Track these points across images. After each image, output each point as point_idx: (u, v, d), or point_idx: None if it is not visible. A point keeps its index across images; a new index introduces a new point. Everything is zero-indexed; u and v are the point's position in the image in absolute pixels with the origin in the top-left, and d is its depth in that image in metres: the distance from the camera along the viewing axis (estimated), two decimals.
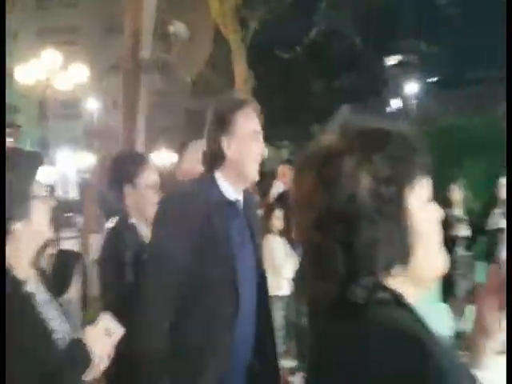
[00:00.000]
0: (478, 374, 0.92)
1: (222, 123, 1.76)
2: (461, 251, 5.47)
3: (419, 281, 0.87)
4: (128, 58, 6.94)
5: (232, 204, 1.77)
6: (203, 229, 1.66)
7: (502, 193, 5.32)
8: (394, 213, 0.83)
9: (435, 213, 0.88)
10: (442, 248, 0.88)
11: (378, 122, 0.89)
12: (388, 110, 24.37)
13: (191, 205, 1.70)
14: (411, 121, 19.38)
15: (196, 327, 1.67)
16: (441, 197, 6.44)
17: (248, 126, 1.77)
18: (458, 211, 6.04)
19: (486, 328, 0.96)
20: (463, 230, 5.61)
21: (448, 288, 4.57)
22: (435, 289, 5.87)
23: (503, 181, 5.27)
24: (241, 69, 14.97)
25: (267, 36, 17.89)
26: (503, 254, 0.92)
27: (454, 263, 5.49)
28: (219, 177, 1.76)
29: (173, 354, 1.63)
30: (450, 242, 5.93)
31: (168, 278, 1.66)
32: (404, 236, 0.83)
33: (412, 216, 0.83)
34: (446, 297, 4.06)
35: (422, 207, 0.85)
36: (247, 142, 1.76)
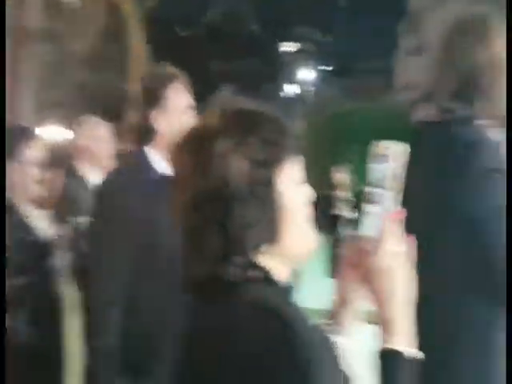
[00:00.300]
0: (340, 340, 1.00)
1: (153, 97, 1.74)
2: (345, 231, 5.79)
3: (289, 258, 0.91)
4: (15, 27, 6.54)
5: (165, 178, 1.76)
6: (144, 208, 1.67)
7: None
8: (266, 194, 0.85)
9: (305, 194, 0.92)
10: (311, 227, 0.92)
11: (253, 104, 0.92)
12: (283, 95, 24.84)
13: (129, 183, 1.70)
14: (306, 106, 19.95)
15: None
16: (327, 179, 6.73)
17: (179, 100, 1.76)
18: (344, 194, 6.36)
19: (344, 298, 1.02)
20: (345, 211, 5.94)
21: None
22: (323, 265, 6.20)
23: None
24: (137, 43, 14.55)
25: (166, 11, 17.52)
26: (364, 230, 0.98)
27: (336, 241, 5.82)
28: (150, 152, 1.75)
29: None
30: (335, 222, 6.23)
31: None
32: (274, 216, 0.86)
33: (282, 197, 0.87)
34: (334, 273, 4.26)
35: (292, 188, 0.88)
36: (178, 116, 1.75)
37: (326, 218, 6.60)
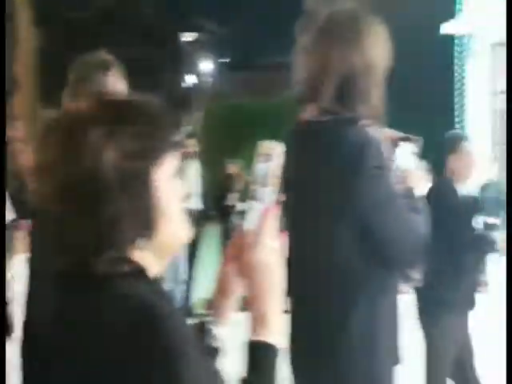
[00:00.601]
0: (219, 330, 1.02)
1: (88, 86, 1.69)
2: (237, 222, 5.93)
3: (163, 253, 0.90)
4: None
5: None
6: None
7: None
8: (139, 188, 0.83)
9: (180, 188, 0.92)
10: (185, 220, 0.93)
11: (130, 95, 0.91)
12: (180, 86, 24.59)
13: None
14: (204, 99, 19.87)
15: None
16: (221, 171, 6.79)
17: (114, 87, 1.72)
18: (237, 186, 6.44)
19: (225, 289, 1.03)
20: (237, 203, 6.09)
21: None
22: (216, 255, 6.24)
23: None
24: (22, 25, 13.71)
25: None
26: (246, 224, 1.00)
27: (227, 232, 5.93)
28: None
29: None
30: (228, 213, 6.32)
31: None
32: (148, 210, 0.84)
33: (157, 191, 0.85)
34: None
35: (167, 182, 0.87)
36: None
37: (219, 208, 6.65)
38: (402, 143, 1.79)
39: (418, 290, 3.28)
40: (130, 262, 0.85)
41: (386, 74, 1.65)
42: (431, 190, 3.38)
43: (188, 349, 0.79)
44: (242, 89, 16.47)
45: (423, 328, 3.17)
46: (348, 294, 1.59)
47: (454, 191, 3.17)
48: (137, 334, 0.78)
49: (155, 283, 0.88)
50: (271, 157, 1.00)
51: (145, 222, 0.84)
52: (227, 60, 25.75)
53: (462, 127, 9.88)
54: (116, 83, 1.73)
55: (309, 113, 1.66)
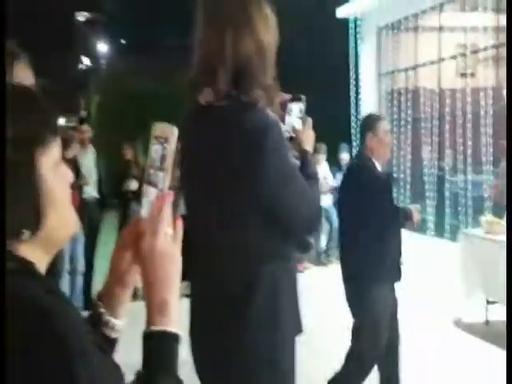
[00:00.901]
0: (115, 321, 0.99)
1: None
2: (134, 206, 5.87)
3: (51, 245, 0.86)
4: None
5: None
6: None
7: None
8: (23, 176, 0.79)
9: (66, 175, 0.88)
10: (72, 209, 0.89)
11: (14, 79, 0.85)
12: (76, 68, 23.68)
13: None
14: (101, 80, 19.22)
15: None
16: (119, 158, 6.61)
17: (26, 80, 1.66)
18: (135, 171, 6.31)
19: (119, 279, 1.00)
20: (136, 189, 6.02)
21: None
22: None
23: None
24: None
25: None
26: (142, 210, 0.98)
27: (128, 217, 5.83)
28: None
29: None
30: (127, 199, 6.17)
31: None
32: (34, 199, 0.80)
33: (43, 179, 0.81)
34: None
35: (53, 169, 0.84)
36: None
37: (118, 195, 6.48)
38: (290, 104, 1.87)
39: (346, 265, 3.38)
40: (16, 257, 0.80)
41: (275, 56, 1.70)
42: (350, 167, 3.51)
43: (84, 347, 0.77)
44: (141, 72, 16.08)
45: (354, 300, 3.29)
46: (251, 269, 1.64)
47: (371, 167, 3.30)
48: (30, 336, 0.74)
49: (45, 279, 0.84)
50: (167, 139, 0.97)
51: (31, 213, 0.80)
52: (126, 42, 25.00)
53: (357, 107, 10.27)
54: (23, 74, 1.68)
55: (205, 97, 1.66)
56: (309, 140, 1.86)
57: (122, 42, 24.90)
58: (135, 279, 1.00)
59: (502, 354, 4.69)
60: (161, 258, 0.92)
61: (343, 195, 3.58)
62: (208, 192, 1.67)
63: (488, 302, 5.47)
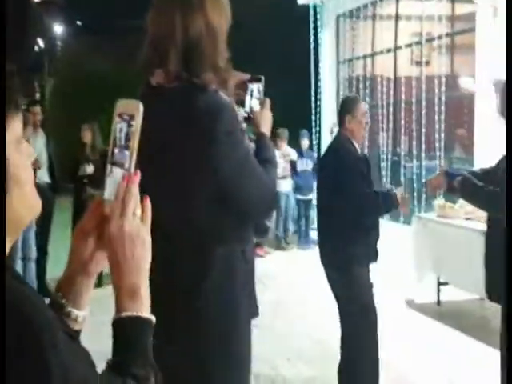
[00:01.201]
0: (79, 313, 0.94)
1: None
2: (90, 191, 5.77)
3: (14, 226, 0.81)
4: None
5: None
6: None
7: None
8: None
9: (28, 152, 0.84)
10: (34, 189, 0.85)
11: None
12: (35, 49, 22.96)
13: None
14: (56, 62, 18.72)
15: None
16: (75, 137, 6.46)
17: None
18: (93, 153, 6.19)
19: (83, 268, 0.95)
20: (92, 171, 5.92)
21: None
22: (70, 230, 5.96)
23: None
24: None
25: None
26: (106, 193, 0.93)
27: (84, 202, 5.72)
28: None
29: None
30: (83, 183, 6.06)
31: None
32: None
33: (5, 155, 0.77)
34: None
35: (15, 147, 0.80)
36: None
37: (72, 179, 6.34)
38: (251, 84, 1.85)
39: (325, 246, 3.38)
40: None
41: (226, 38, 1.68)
42: (329, 148, 3.50)
43: (54, 333, 0.73)
44: (97, 53, 15.73)
45: (334, 281, 3.30)
46: (207, 254, 1.63)
47: (352, 150, 3.30)
48: (11, 339, 0.70)
49: (10, 264, 0.80)
50: (132, 116, 0.93)
51: None
52: (82, 23, 24.37)
53: (316, 94, 10.33)
54: None
55: (157, 78, 1.64)
56: (266, 121, 1.83)
57: (78, 23, 24.26)
58: (99, 267, 0.96)
59: (453, 332, 4.86)
60: (130, 240, 0.89)
61: (322, 179, 3.55)
62: (159, 176, 1.64)
63: (439, 284, 5.63)
